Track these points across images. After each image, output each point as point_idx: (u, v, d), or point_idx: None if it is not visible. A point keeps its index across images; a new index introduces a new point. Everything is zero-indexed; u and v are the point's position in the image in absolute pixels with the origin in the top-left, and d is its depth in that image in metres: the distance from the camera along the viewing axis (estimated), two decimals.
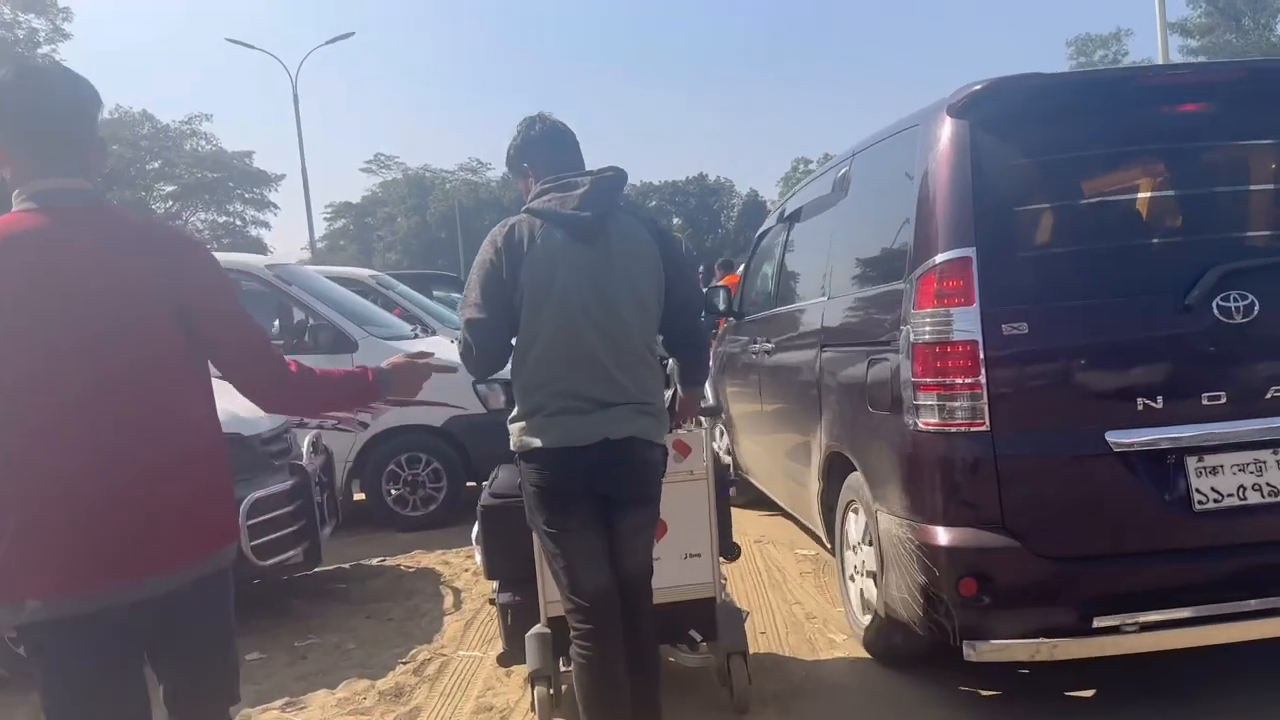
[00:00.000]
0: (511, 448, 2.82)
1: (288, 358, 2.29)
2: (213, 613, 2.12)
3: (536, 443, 2.71)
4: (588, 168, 2.85)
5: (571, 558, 2.74)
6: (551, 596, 3.32)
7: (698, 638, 3.48)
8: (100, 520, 1.91)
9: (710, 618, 3.44)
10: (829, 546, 4.44)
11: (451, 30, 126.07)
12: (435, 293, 12.48)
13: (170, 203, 45.76)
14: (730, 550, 3.56)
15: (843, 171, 4.51)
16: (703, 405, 3.17)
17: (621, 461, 2.69)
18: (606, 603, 2.73)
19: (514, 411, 2.80)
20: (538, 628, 3.37)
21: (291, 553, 4.77)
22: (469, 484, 7.16)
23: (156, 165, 46.20)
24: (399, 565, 5.94)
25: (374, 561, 6.06)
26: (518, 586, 3.54)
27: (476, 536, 3.81)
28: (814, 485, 4.47)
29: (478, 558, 4.00)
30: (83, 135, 2.05)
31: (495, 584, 3.66)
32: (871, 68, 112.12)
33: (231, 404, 4.99)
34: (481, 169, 75.40)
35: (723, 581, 3.51)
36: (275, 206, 48.84)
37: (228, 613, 2.18)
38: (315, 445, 5.45)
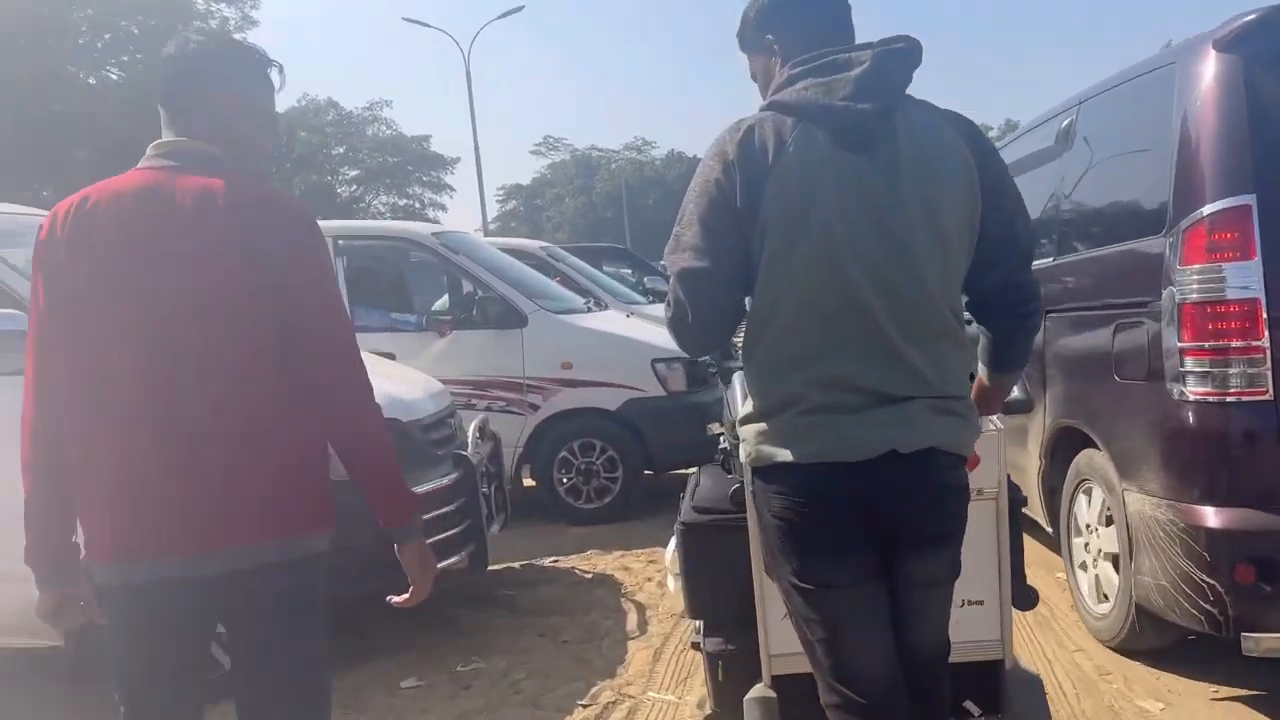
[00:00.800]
0: (742, 458, 1.98)
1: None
2: (279, 607, 1.91)
3: (784, 455, 1.83)
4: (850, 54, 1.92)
5: (837, 628, 1.86)
6: (779, 648, 2.50)
7: (975, 712, 2.58)
8: (150, 491, 1.83)
9: (995, 686, 2.54)
10: (1050, 532, 4.20)
11: (614, 5, 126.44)
12: (605, 268, 11.85)
13: (354, 187, 47.53)
14: (1025, 597, 2.62)
15: (1066, 122, 4.23)
16: (1009, 399, 2.23)
17: (915, 485, 1.81)
18: (891, 698, 1.86)
19: (746, 407, 1.96)
20: (759, 689, 2.54)
21: (454, 558, 4.13)
22: (647, 474, 6.44)
23: (341, 151, 48.05)
24: (573, 568, 5.25)
25: (546, 562, 5.40)
26: (731, 630, 2.73)
27: (672, 560, 3.03)
28: (1033, 464, 4.23)
29: (671, 585, 3.23)
30: (213, 96, 1.95)
31: (699, 624, 2.86)
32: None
33: (390, 384, 4.39)
34: (646, 148, 75.26)
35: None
36: (451, 189, 49.91)
37: (301, 613, 1.94)
38: (482, 431, 4.80)
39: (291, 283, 1.84)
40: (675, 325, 1.90)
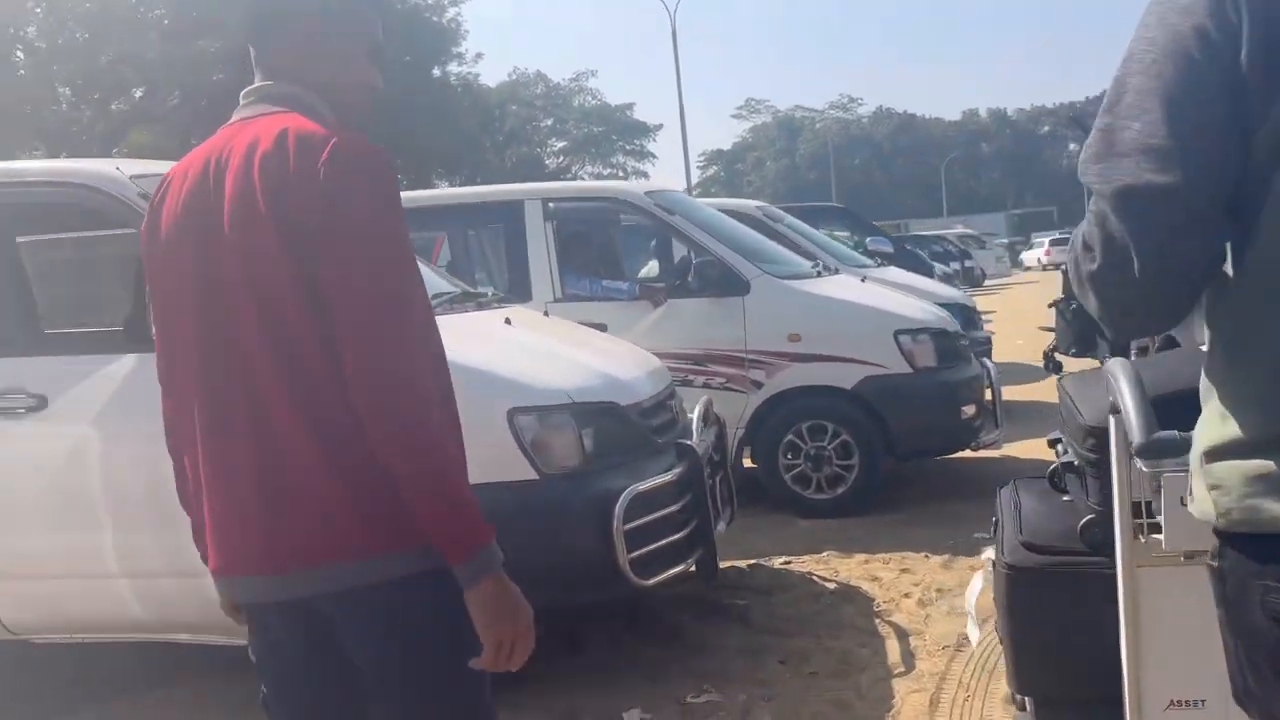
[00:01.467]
0: (1199, 511, 1.20)
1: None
2: (371, 642, 1.57)
3: None
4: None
5: None
6: None
7: None
8: (208, 502, 1.62)
9: None
10: None
11: None
12: (820, 230, 10.96)
13: (561, 158, 48.37)
14: None
15: None
16: None
17: None
18: None
19: (1218, 429, 1.17)
20: None
21: (680, 567, 3.53)
22: (888, 463, 5.64)
23: (549, 123, 48.96)
24: (810, 574, 4.55)
25: (776, 562, 4.73)
26: (1076, 717, 1.96)
27: (978, 606, 2.30)
28: None
29: (973, 635, 2.52)
30: (293, 20, 1.65)
31: (1027, 702, 2.10)
32: None
33: (605, 361, 3.79)
34: (853, 105, 72.70)
35: None
36: (653, 156, 49.93)
37: (416, 646, 1.56)
38: (707, 415, 4.17)
39: (321, 235, 1.48)
40: (1103, 282, 1.14)
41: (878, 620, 3.93)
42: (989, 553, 2.51)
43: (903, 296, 6.39)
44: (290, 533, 1.52)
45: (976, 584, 2.46)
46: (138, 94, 25.11)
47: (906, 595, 4.15)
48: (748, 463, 5.81)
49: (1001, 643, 2.28)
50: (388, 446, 1.46)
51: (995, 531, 2.41)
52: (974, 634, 2.51)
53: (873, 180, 66.88)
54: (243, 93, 1.66)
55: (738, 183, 69.93)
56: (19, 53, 23.47)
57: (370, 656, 1.57)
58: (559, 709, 3.27)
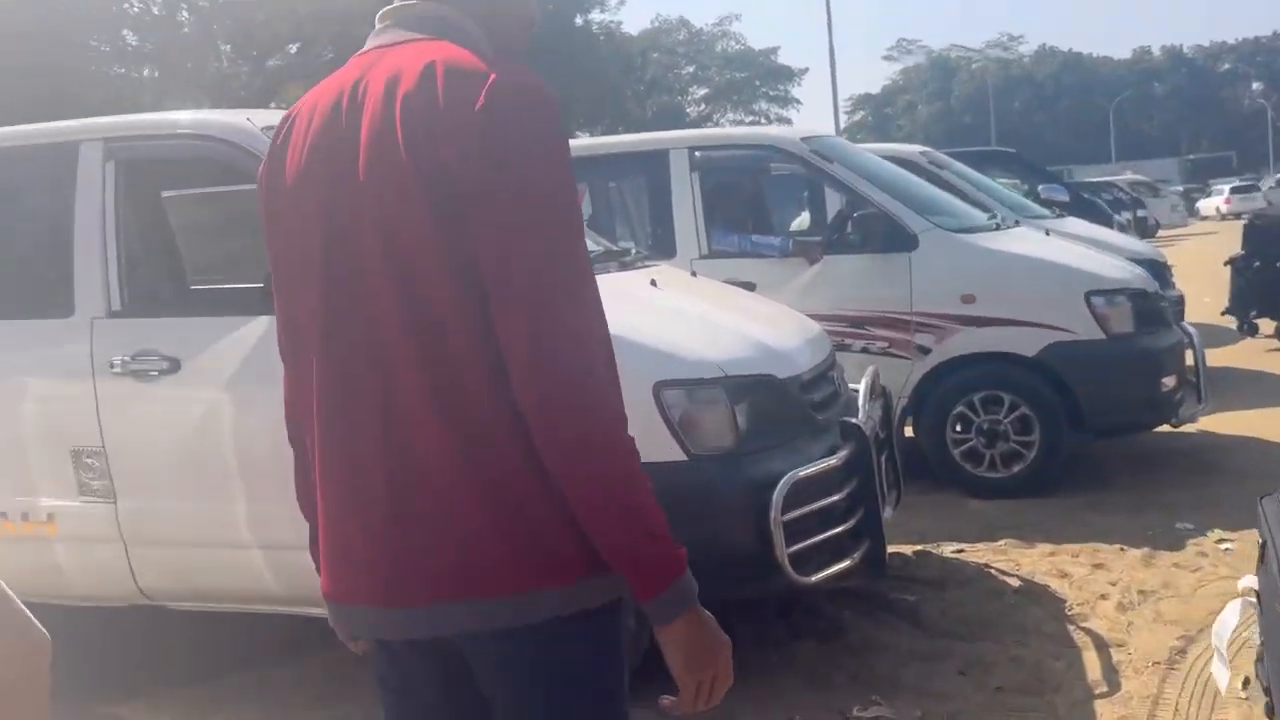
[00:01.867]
0: None
1: None
2: (514, 688, 1.31)
3: None
4: None
5: None
6: None
7: None
8: (323, 509, 1.37)
9: None
10: None
11: None
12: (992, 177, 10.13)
13: (703, 106, 47.56)
14: None
15: None
16: None
17: None
18: None
19: None
20: None
21: (845, 563, 3.12)
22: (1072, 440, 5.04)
23: (690, 70, 48.14)
24: (987, 565, 4.06)
25: (947, 550, 4.26)
26: None
27: (1231, 641, 1.83)
28: None
29: (1220, 677, 2.03)
30: None
31: None
32: None
33: (759, 326, 3.35)
34: (1013, 44, 68.87)
35: None
36: (797, 102, 48.49)
37: (547, 698, 1.29)
38: (873, 387, 3.71)
39: (477, 193, 1.20)
40: None
41: (1071, 626, 3.43)
42: (1248, 581, 2.02)
43: (1092, 252, 5.71)
44: (425, 559, 1.27)
45: (1231, 618, 1.99)
46: (292, 50, 25.78)
47: (1103, 597, 3.62)
48: (908, 432, 5.31)
49: (1270, 694, 1.81)
50: (562, 453, 1.21)
51: (1262, 556, 1.92)
52: (1223, 678, 2.04)
53: (1034, 124, 63.23)
54: (380, 13, 1.37)
55: (887, 128, 67.49)
56: (184, 12, 24.36)
57: (511, 703, 1.34)
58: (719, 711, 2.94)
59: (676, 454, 2.92)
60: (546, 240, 1.20)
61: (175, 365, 3.26)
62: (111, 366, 3.31)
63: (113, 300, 3.40)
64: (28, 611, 1.78)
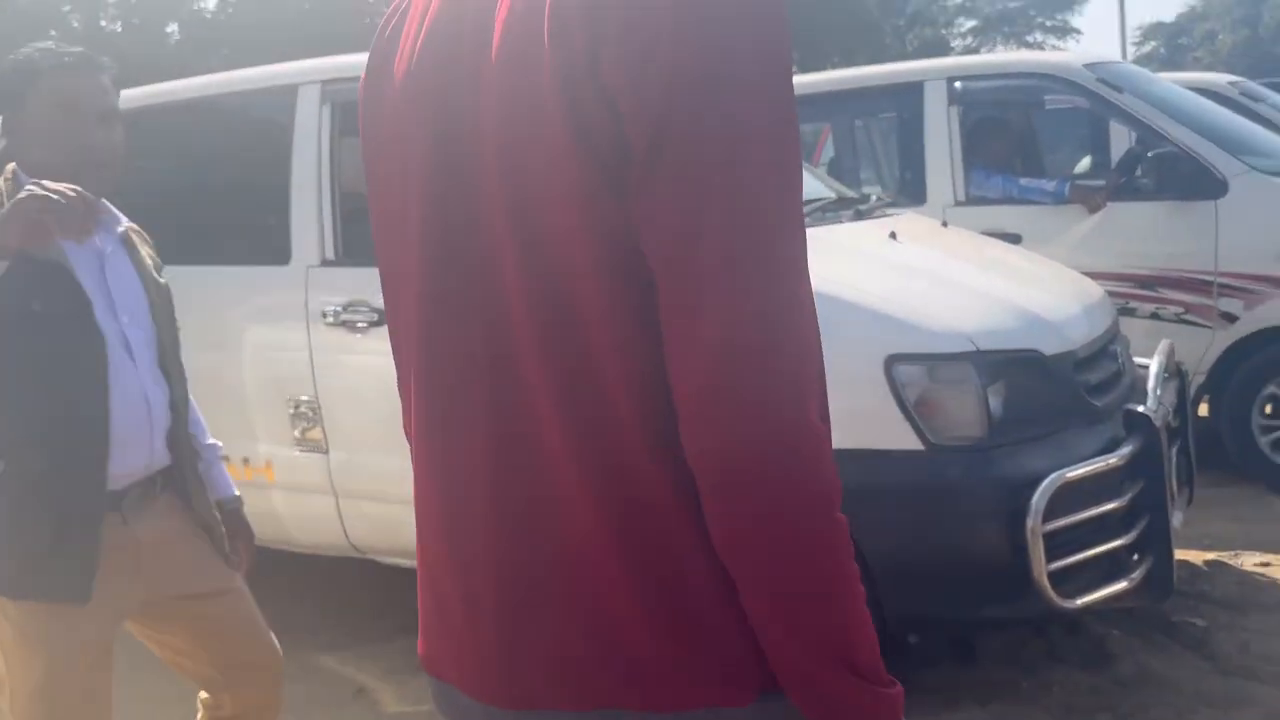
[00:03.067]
0: None
1: None
2: None
3: None
4: None
5: None
6: None
7: None
8: (423, 555, 1.01)
9: None
10: None
11: None
12: None
13: (969, 39, 44.57)
14: None
15: None
16: None
17: None
18: None
19: None
20: None
21: (1121, 584, 2.56)
22: None
23: (958, 0, 45.19)
24: None
25: (1249, 563, 3.53)
26: None
27: None
28: None
29: None
30: None
31: None
32: None
33: (1020, 288, 2.61)
34: None
35: None
36: (1078, 33, 44.27)
37: None
38: (1167, 364, 3.05)
39: (660, 129, 0.78)
40: None
41: None
42: None
43: None
44: (546, 654, 0.90)
45: None
46: None
47: None
48: (1202, 410, 4.49)
49: None
50: (742, 522, 0.81)
51: None
52: None
53: None
54: None
55: (1181, 60, 60.73)
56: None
57: None
58: None
59: (912, 443, 2.46)
60: (756, 200, 0.79)
61: (384, 318, 3.15)
62: (324, 316, 3.25)
63: (326, 249, 3.34)
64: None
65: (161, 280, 2.01)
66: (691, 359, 0.79)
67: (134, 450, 1.86)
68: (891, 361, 2.47)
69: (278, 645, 2.11)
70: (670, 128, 0.78)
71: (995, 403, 2.51)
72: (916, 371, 2.48)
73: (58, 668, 1.80)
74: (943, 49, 41.13)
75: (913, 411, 2.46)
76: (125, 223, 2.01)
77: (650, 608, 0.86)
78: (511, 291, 0.87)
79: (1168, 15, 66.29)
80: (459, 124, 0.90)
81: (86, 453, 1.81)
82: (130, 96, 3.94)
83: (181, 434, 1.99)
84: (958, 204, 4.66)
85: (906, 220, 3.39)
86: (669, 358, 0.81)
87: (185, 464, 2.00)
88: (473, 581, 0.94)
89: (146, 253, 2.02)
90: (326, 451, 3.32)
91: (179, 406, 1.98)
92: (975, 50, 43.68)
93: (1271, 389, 4.25)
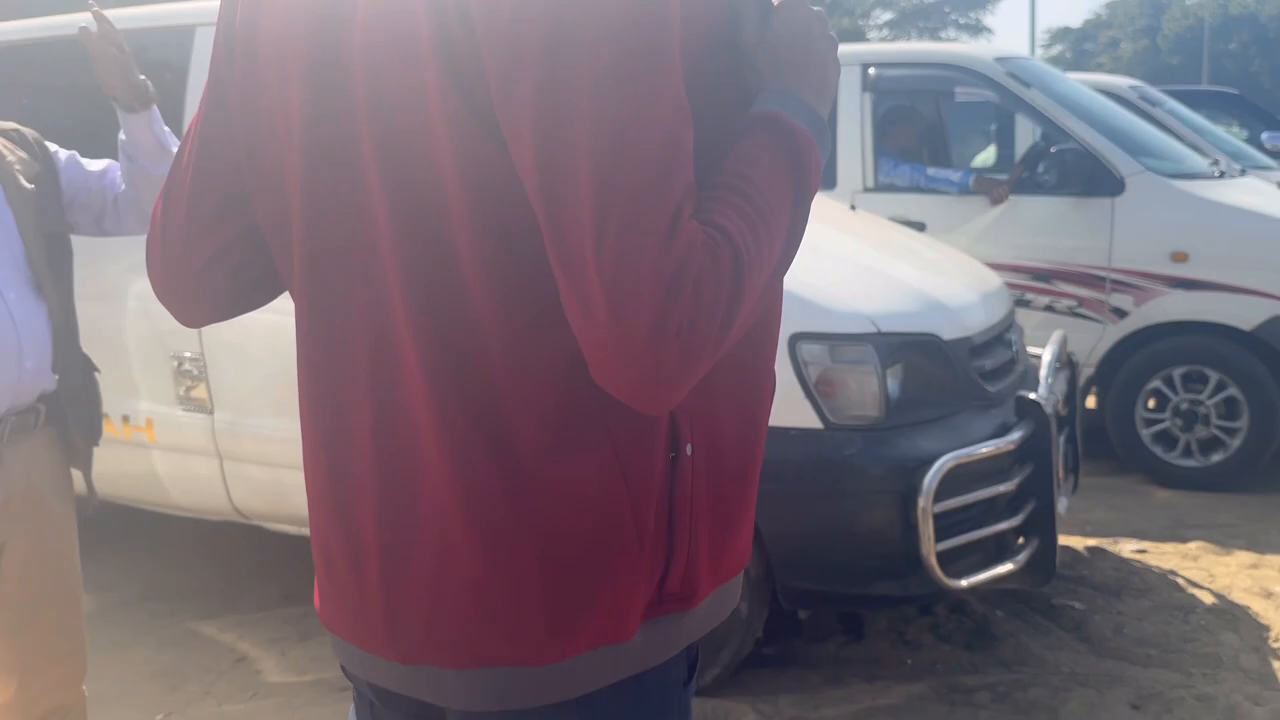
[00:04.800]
0: None
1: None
2: None
3: None
4: None
5: None
6: None
7: None
8: (311, 507, 1.00)
9: None
10: None
11: None
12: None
13: (884, 31, 45.22)
14: None
15: None
16: None
17: None
18: None
19: None
20: None
21: (1006, 566, 2.62)
22: None
23: None
24: (1173, 571, 3.45)
25: (1127, 549, 3.66)
26: None
27: None
28: None
29: None
30: None
31: None
32: None
33: (922, 275, 2.67)
34: None
35: None
36: (989, 31, 45.38)
37: None
38: (1059, 355, 3.13)
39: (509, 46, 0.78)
40: None
41: (1276, 662, 2.83)
42: None
43: None
44: (421, 611, 0.91)
45: None
46: None
47: None
48: (1090, 403, 4.65)
49: None
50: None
51: None
52: None
53: (1251, 70, 57.39)
54: None
55: (1085, 65, 62.83)
56: None
57: None
58: None
59: (811, 420, 2.47)
60: (618, 130, 0.75)
61: None
62: None
63: None
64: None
65: (28, 186, 1.83)
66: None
67: None
68: (796, 340, 2.47)
69: (85, 643, 1.93)
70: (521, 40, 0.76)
71: (893, 384, 2.54)
72: (819, 350, 2.49)
73: None
74: (858, 40, 41.72)
75: (814, 390, 2.47)
76: None
77: (506, 561, 0.86)
78: (383, 230, 0.87)
79: (1075, 21, 68.48)
80: (329, 45, 0.89)
81: None
82: (11, 29, 3.70)
83: (68, 355, 1.85)
84: (866, 190, 4.71)
85: (816, 203, 3.40)
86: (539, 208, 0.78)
87: (74, 389, 1.86)
88: (356, 540, 0.93)
89: (16, 158, 1.86)
90: (211, 412, 3.18)
91: (61, 324, 1.83)
92: (891, 42, 44.46)
93: (1156, 383, 4.41)
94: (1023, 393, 2.78)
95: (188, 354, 3.16)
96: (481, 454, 0.85)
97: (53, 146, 1.96)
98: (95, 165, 1.99)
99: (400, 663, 0.92)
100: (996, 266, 3.84)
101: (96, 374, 1.97)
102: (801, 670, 2.81)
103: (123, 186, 1.94)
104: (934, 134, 5.50)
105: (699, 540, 0.90)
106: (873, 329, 2.53)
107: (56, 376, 1.84)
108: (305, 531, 3.21)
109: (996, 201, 4.57)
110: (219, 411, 3.14)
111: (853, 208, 3.87)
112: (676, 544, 0.89)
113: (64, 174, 1.93)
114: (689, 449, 0.88)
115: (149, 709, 2.73)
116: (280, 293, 1.08)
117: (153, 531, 3.74)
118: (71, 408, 1.87)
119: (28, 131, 1.93)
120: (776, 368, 1.01)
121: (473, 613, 0.87)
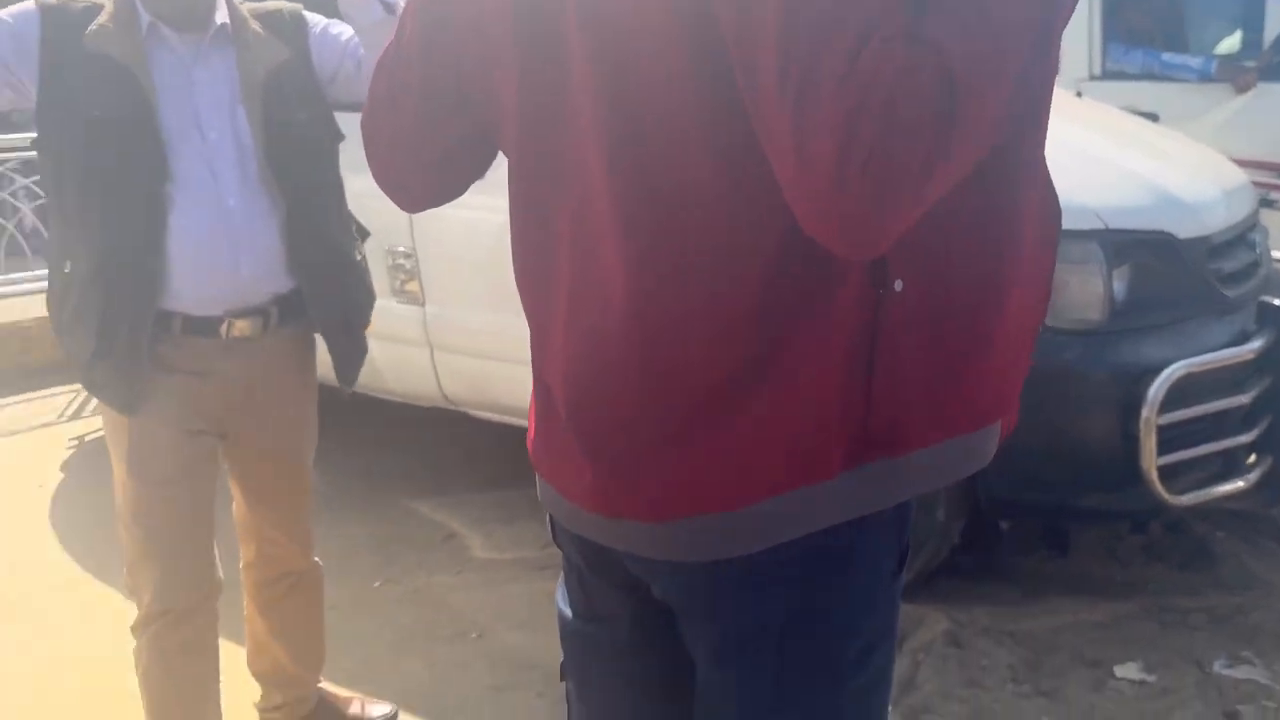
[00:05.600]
0: None
1: None
2: (744, 654, 0.94)
3: None
4: None
5: None
6: None
7: None
8: (539, 387, 1.01)
9: None
10: None
11: None
12: None
13: None
14: None
15: None
16: None
17: None
18: None
19: None
20: None
21: (1234, 483, 2.43)
22: None
23: None
24: None
25: None
26: None
27: None
28: None
29: None
30: None
31: None
32: None
33: (1156, 167, 2.47)
34: None
35: None
36: None
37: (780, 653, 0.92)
38: None
39: None
40: None
41: None
42: None
43: None
44: (617, 461, 0.92)
45: None
46: None
47: None
48: None
49: None
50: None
51: None
52: None
53: None
54: None
55: None
56: None
57: (723, 658, 0.96)
58: (1018, 651, 2.44)
59: None
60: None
61: None
62: None
63: None
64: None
65: (268, 79, 1.73)
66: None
67: (208, 275, 1.71)
68: None
69: (309, 522, 2.07)
70: None
71: (1119, 285, 2.36)
72: None
73: (128, 468, 1.78)
74: None
75: None
76: (225, 11, 1.75)
77: (703, 404, 0.86)
78: (591, 107, 0.87)
79: None
80: None
81: (134, 271, 1.66)
82: None
83: (308, 256, 1.78)
84: (1092, 78, 4.36)
85: None
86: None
87: (317, 286, 1.81)
88: (559, 389, 0.96)
89: (263, 48, 1.75)
90: (423, 304, 3.33)
91: (297, 225, 1.76)
92: None
93: None
94: (1266, 298, 2.54)
95: (401, 248, 3.31)
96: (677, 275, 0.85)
97: (312, 19, 1.85)
98: (345, 34, 1.85)
99: (604, 515, 0.94)
100: (1240, 162, 3.48)
101: (360, 259, 1.93)
102: (999, 582, 2.73)
103: (363, 51, 1.81)
104: (1170, 14, 4.99)
105: (906, 383, 0.86)
106: (1100, 224, 2.35)
107: (292, 278, 1.79)
108: (508, 419, 3.36)
109: (1242, 90, 4.14)
110: (430, 304, 3.29)
111: (1078, 95, 3.58)
112: (876, 382, 0.85)
113: (316, 52, 1.83)
114: (898, 284, 0.83)
115: (367, 576, 2.95)
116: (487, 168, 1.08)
117: (370, 416, 4.00)
118: (315, 304, 1.82)
119: (288, 9, 1.84)
120: None
121: (670, 462, 0.88)
